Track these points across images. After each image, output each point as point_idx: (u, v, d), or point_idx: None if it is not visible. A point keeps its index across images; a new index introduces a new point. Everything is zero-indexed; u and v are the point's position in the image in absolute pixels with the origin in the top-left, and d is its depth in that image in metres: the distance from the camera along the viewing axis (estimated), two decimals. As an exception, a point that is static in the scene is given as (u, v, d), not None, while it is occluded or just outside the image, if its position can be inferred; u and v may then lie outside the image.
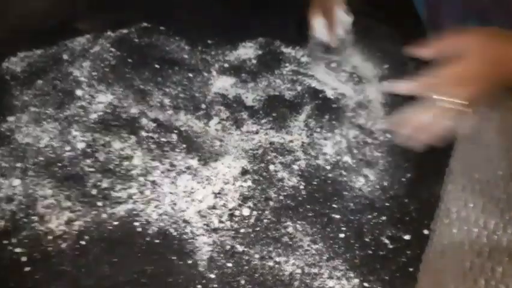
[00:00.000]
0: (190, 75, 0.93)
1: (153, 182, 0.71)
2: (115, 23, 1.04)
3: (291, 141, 0.78)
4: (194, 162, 0.74)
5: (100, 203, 0.68)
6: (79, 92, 0.85)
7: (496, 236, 0.63)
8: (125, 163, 0.73)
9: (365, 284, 0.62)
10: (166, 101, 0.86)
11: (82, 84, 0.87)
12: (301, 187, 0.72)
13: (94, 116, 0.81)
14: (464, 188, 0.69)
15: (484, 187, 0.69)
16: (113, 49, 0.97)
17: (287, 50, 1.00)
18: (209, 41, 1.04)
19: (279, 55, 0.98)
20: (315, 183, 0.73)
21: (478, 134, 0.76)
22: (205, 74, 0.94)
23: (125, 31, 1.03)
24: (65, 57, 0.96)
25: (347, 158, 0.76)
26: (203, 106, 0.85)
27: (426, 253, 0.64)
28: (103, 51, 0.97)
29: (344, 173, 0.75)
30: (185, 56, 0.99)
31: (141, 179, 0.71)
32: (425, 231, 0.67)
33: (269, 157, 0.76)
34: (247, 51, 1.01)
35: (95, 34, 1.03)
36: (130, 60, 0.95)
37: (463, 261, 0.61)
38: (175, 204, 0.68)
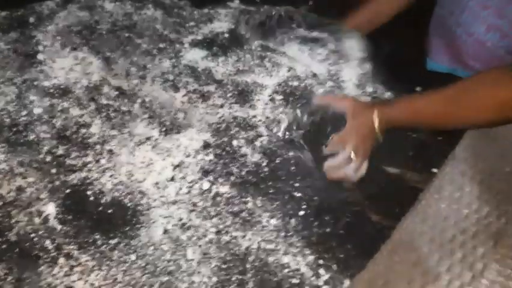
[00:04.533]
0: (161, 45, 0.91)
1: (110, 151, 0.69)
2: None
3: (254, 116, 0.76)
4: (155, 133, 0.72)
5: (53, 170, 0.66)
6: (40, 56, 0.82)
7: (487, 221, 0.62)
8: (83, 130, 0.71)
9: (320, 262, 0.61)
10: (133, 69, 0.83)
11: (45, 48, 0.84)
12: (264, 164, 0.71)
13: (54, 81, 0.78)
14: (463, 174, 0.68)
15: (485, 178, 0.68)
16: (81, 14, 0.94)
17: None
18: (184, 13, 1.01)
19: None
20: (278, 161, 0.72)
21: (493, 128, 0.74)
22: (177, 46, 0.91)
23: (96, -3, 1.00)
24: (31, 20, 0.93)
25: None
26: (171, 77, 0.83)
27: (405, 216, 0.63)
28: (71, 17, 0.93)
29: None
30: (158, 26, 0.96)
31: (98, 147, 0.69)
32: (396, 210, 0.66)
33: (232, 132, 0.74)
34: (221, 24, 0.98)
35: (66, -2, 0.99)
36: (98, 27, 0.92)
37: (444, 231, 0.61)
38: (131, 174, 0.66)
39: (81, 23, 0.92)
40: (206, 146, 0.72)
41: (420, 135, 0.78)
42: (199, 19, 1.00)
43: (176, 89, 0.81)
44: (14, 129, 0.71)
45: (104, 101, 0.75)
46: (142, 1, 1.01)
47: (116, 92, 0.77)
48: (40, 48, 0.84)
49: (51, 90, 0.76)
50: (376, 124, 0.68)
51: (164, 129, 0.72)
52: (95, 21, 0.94)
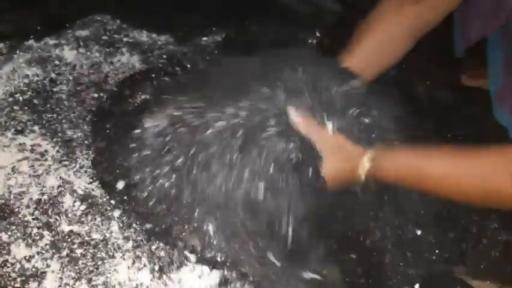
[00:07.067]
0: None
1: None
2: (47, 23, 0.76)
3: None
4: (144, 277, 0.47)
5: None
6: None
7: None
8: (32, 286, 0.45)
9: None
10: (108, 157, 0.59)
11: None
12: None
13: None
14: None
15: None
16: (29, 72, 0.68)
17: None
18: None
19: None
20: None
21: None
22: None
23: (53, 42, 0.74)
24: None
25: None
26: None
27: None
28: (16, 76, 0.68)
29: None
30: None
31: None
32: None
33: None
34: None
35: (14, 42, 0.74)
36: (54, 89, 0.67)
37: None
38: None
39: (30, 86, 0.66)
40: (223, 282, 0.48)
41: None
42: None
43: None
44: None
45: (65, 227, 0.50)
46: (113, 45, 0.76)
47: (83, 206, 0.52)
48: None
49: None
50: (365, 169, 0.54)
51: (157, 266, 0.48)
52: (50, 80, 0.68)
